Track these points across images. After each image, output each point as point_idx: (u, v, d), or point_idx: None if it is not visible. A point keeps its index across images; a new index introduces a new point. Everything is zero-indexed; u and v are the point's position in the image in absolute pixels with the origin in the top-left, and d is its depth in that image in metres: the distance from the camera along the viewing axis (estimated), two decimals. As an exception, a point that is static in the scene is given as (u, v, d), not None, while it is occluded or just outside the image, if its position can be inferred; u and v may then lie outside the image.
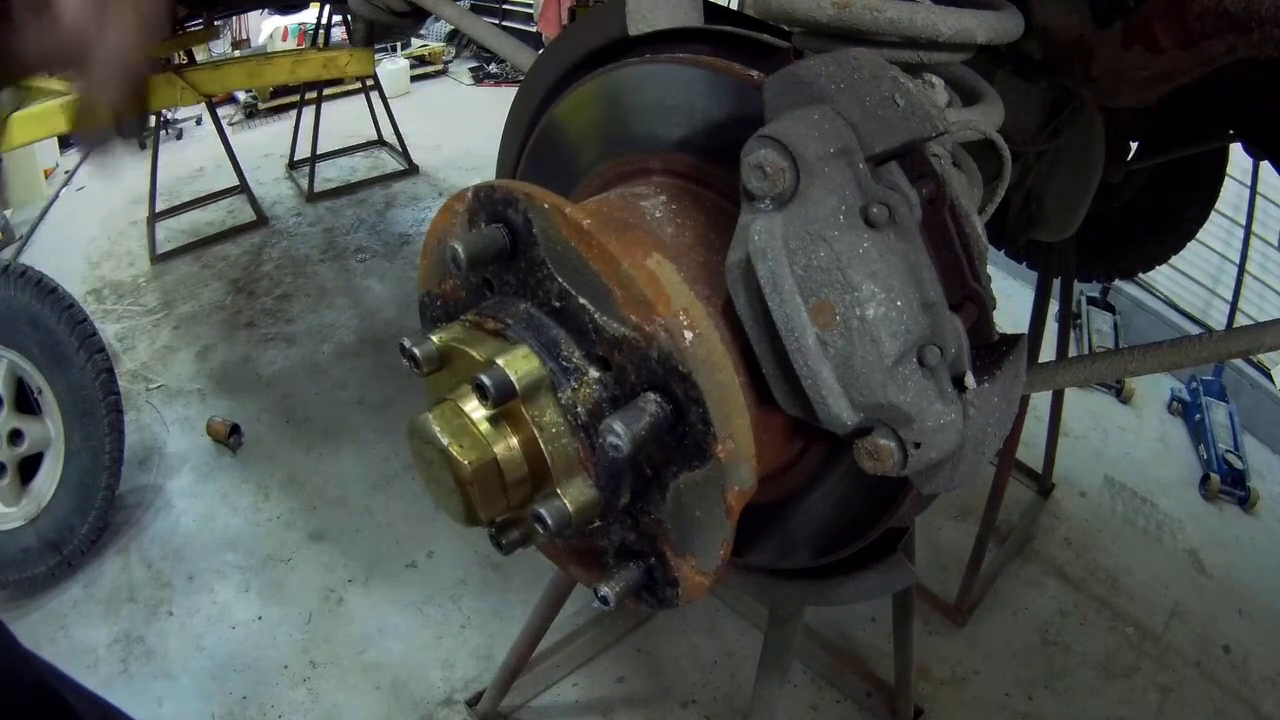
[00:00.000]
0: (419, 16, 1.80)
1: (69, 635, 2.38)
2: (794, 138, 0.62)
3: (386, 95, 5.11)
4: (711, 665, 2.37)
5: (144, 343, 3.63)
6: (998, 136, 0.82)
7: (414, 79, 6.87)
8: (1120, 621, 2.60)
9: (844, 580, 0.96)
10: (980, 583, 2.57)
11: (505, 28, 4.40)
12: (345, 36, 4.98)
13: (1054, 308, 2.61)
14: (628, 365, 0.67)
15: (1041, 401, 2.92)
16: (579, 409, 0.70)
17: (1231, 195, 3.35)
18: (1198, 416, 3.43)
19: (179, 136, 5.69)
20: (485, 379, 0.66)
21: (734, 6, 1.07)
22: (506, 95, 2.03)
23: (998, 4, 0.81)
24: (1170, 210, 2.26)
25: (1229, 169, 2.26)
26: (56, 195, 4.85)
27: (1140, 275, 3.15)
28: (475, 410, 0.70)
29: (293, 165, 5.18)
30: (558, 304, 0.71)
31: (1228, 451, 3.23)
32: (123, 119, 0.54)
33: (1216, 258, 3.72)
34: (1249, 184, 3.41)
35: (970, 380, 0.67)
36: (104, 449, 2.48)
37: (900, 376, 0.64)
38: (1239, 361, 3.58)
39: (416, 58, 7.06)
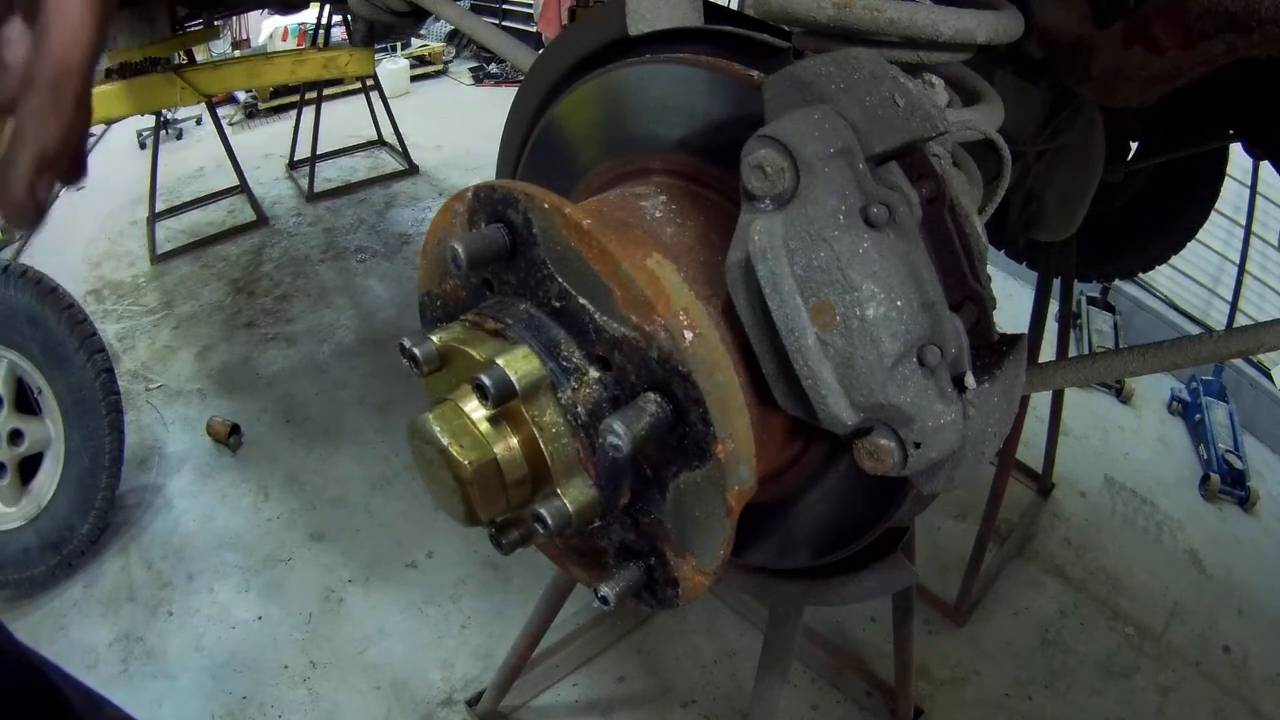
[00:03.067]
0: (419, 16, 1.80)
1: (69, 635, 2.38)
2: (794, 138, 0.62)
3: (386, 95, 5.11)
4: (711, 665, 2.37)
5: (144, 343, 3.63)
6: (998, 136, 0.82)
7: (414, 79, 6.88)
8: (1120, 621, 2.60)
9: (844, 580, 0.96)
10: (980, 583, 2.57)
11: (505, 28, 4.40)
12: (345, 36, 4.99)
13: (1054, 308, 2.61)
14: (628, 365, 0.67)
15: (1041, 401, 2.91)
16: (579, 409, 0.69)
17: (1231, 195, 3.35)
18: (1198, 416, 3.43)
19: (179, 136, 5.70)
20: (485, 379, 0.66)
21: (734, 6, 1.07)
22: (506, 95, 2.03)
23: (998, 4, 0.81)
24: (1170, 210, 2.26)
25: (1229, 169, 2.26)
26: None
27: (1140, 275, 3.16)
28: (475, 410, 0.70)
29: (293, 165, 5.18)
30: (558, 304, 0.70)
31: (1228, 451, 3.23)
32: (39, 186, 0.53)
33: (1216, 258, 3.73)
34: (1249, 184, 3.41)
35: (970, 380, 0.67)
36: (104, 449, 2.48)
37: (900, 376, 0.64)
38: (1239, 361, 3.58)
39: (416, 58, 7.06)
